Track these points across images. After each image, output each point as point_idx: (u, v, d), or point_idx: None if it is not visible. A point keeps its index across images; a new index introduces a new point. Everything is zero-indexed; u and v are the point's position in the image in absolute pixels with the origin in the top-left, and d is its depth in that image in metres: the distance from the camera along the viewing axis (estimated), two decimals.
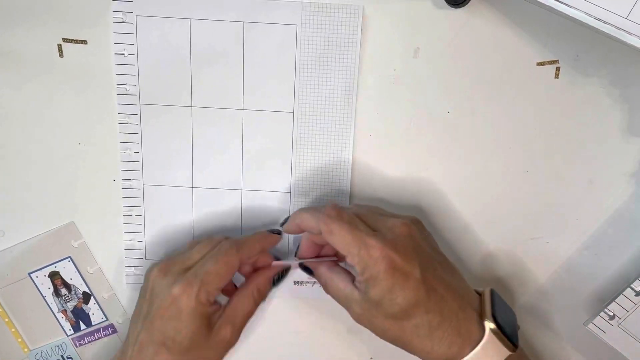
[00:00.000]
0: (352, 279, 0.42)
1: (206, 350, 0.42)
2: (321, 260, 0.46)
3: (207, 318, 0.42)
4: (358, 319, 0.42)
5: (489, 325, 0.40)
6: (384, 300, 0.39)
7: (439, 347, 0.40)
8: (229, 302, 0.44)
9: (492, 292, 0.42)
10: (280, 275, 0.48)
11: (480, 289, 0.44)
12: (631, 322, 0.45)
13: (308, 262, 0.46)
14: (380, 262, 0.39)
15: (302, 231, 0.45)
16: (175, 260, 0.43)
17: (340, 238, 0.40)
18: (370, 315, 0.40)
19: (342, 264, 0.46)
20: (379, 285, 0.39)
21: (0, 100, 0.47)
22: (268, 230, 0.48)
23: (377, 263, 0.39)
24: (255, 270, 0.47)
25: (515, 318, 0.43)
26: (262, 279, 0.46)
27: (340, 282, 0.42)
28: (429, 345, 0.40)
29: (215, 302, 0.43)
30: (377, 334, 0.41)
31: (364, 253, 0.39)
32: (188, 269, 0.42)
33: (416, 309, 0.39)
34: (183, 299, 0.40)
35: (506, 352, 0.40)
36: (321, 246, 0.46)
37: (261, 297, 0.46)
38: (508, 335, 0.40)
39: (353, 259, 0.40)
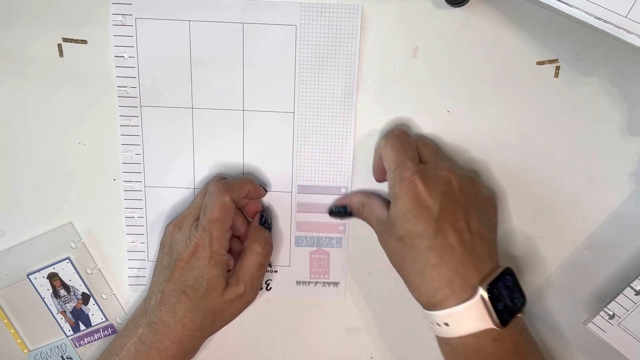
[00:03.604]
0: (388, 206, 0.43)
1: (223, 305, 0.44)
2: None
3: (224, 264, 0.44)
4: (379, 239, 0.44)
5: (482, 292, 0.39)
6: (397, 220, 0.41)
7: (427, 288, 0.40)
8: (239, 260, 0.47)
9: (507, 269, 0.41)
10: (265, 218, 0.49)
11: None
12: (631, 321, 0.45)
13: (341, 199, 0.48)
14: (406, 184, 0.41)
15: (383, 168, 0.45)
16: (186, 213, 0.46)
17: (389, 153, 0.43)
18: (387, 235, 0.42)
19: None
20: (398, 205, 0.41)
21: (0, 100, 0.47)
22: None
23: (402, 182, 0.41)
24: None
25: (521, 303, 0.41)
26: (252, 230, 0.48)
27: (375, 206, 0.45)
28: (419, 282, 0.40)
29: (231, 250, 0.46)
30: (388, 256, 0.43)
31: (398, 171, 0.41)
32: (197, 219, 0.45)
33: (419, 241, 0.40)
34: (199, 251, 0.44)
35: (489, 325, 0.39)
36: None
37: (261, 247, 0.46)
38: (499, 310, 0.39)
39: (389, 174, 0.42)
